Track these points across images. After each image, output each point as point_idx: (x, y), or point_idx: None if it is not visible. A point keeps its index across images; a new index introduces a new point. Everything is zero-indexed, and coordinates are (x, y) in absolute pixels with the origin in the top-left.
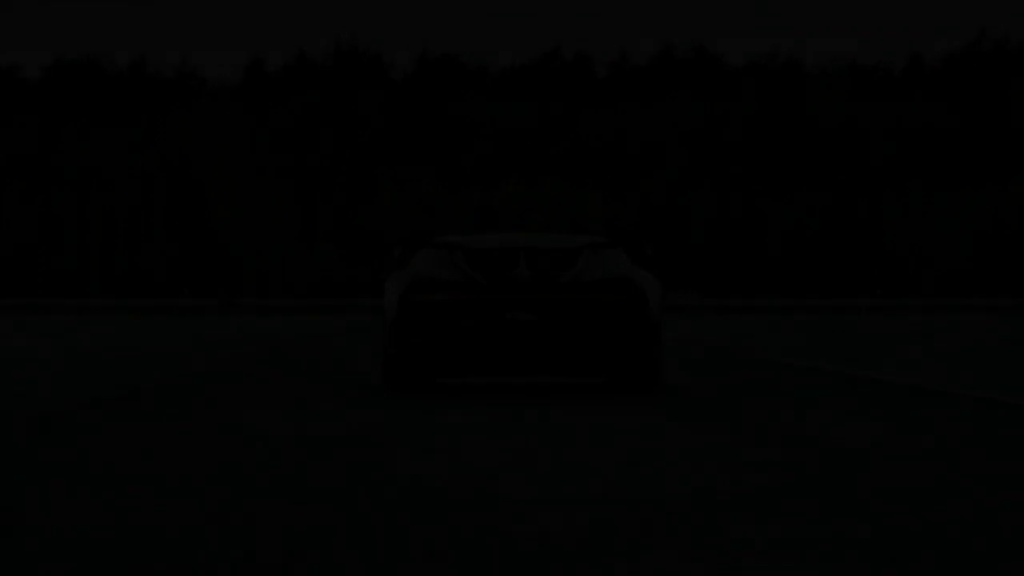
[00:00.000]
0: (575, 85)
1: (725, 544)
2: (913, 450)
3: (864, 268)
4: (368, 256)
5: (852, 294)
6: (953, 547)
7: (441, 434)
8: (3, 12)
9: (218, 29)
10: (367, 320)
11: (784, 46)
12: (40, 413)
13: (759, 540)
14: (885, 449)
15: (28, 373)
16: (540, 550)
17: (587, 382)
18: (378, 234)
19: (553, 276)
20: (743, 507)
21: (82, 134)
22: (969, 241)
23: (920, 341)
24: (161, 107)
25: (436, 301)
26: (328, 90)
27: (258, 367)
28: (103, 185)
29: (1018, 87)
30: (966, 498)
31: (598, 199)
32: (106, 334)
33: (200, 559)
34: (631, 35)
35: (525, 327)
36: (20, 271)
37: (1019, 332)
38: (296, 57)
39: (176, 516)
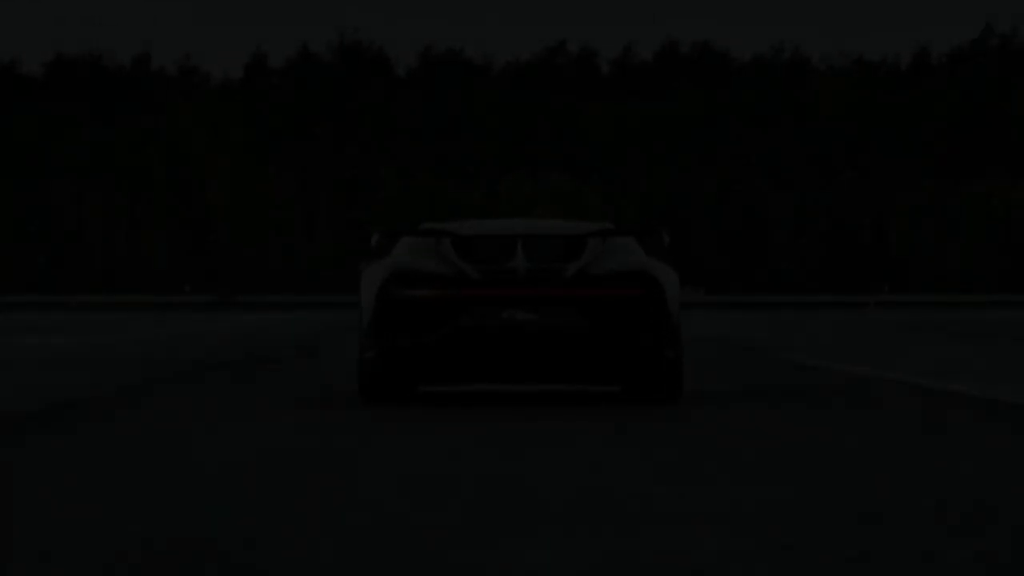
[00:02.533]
0: (579, 80)
1: None
2: None
3: (871, 264)
4: (369, 252)
5: (859, 290)
6: None
7: (412, 463)
8: (3, 7)
9: (220, 23)
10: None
11: (790, 41)
12: None
13: None
14: None
15: None
16: None
17: (596, 391)
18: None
19: (556, 268)
20: None
21: (82, 129)
22: (981, 236)
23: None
24: (162, 102)
25: (419, 297)
26: (331, 85)
27: (228, 370)
28: (102, 180)
29: None
30: None
31: (601, 194)
32: (90, 331)
33: None
34: (636, 30)
35: (524, 328)
36: (13, 266)
37: None
38: (299, 52)
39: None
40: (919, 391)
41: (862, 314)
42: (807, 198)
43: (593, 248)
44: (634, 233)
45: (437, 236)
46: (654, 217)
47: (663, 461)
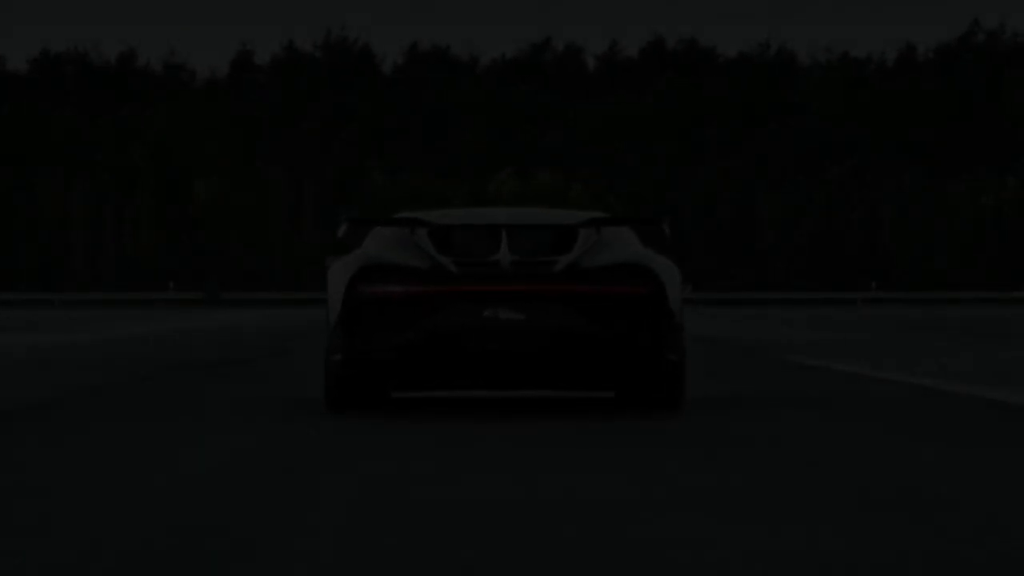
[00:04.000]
0: (566, 77)
1: None
2: None
3: (859, 261)
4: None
5: (847, 287)
6: None
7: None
8: None
9: (206, 20)
10: None
11: (776, 38)
12: None
13: None
14: None
15: None
16: None
17: (588, 396)
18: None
19: (544, 262)
20: None
21: (68, 126)
22: (968, 232)
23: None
24: (148, 100)
25: (392, 294)
26: (317, 82)
27: (188, 372)
28: (87, 176)
29: (1012, 77)
30: None
31: (588, 191)
32: (64, 330)
33: None
34: (621, 26)
35: (508, 328)
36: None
37: None
38: (285, 49)
39: None
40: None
41: (854, 310)
42: (794, 194)
43: (585, 239)
44: (631, 223)
45: (412, 226)
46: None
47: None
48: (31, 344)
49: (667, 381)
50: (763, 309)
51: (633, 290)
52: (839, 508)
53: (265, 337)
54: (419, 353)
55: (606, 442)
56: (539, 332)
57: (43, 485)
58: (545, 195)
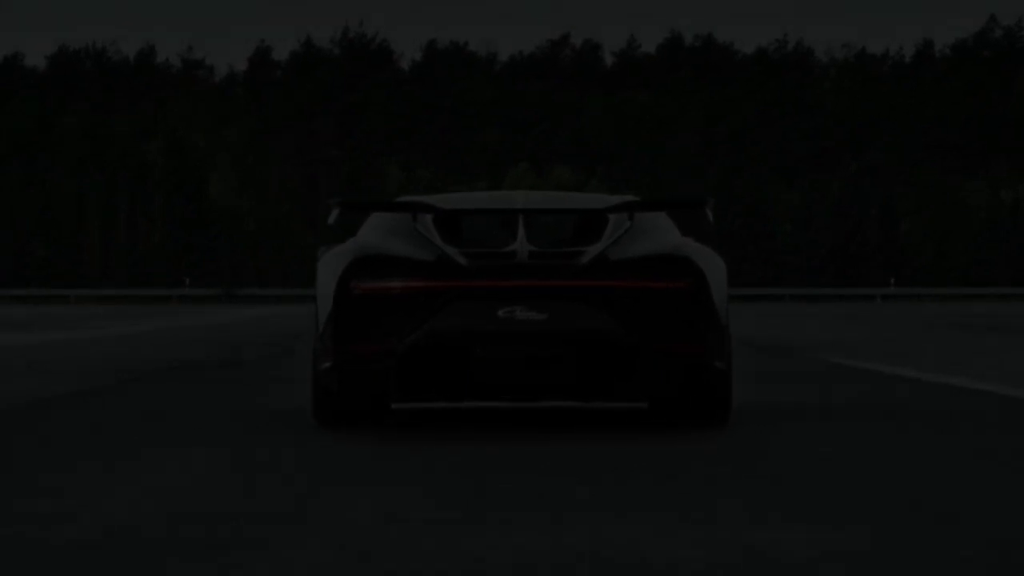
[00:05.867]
0: (583, 73)
1: None
2: None
3: (876, 256)
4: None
5: (863, 283)
6: None
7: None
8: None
9: (224, 16)
10: None
11: (793, 34)
12: None
13: None
14: None
15: None
16: None
17: (618, 408)
18: None
19: (569, 253)
20: None
21: (84, 122)
22: (986, 227)
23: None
24: (166, 95)
25: (391, 290)
26: (334, 78)
27: (166, 376)
28: (103, 173)
29: None
30: None
31: (605, 187)
32: (62, 328)
33: None
34: (639, 23)
35: (527, 330)
36: (15, 259)
37: None
38: (303, 45)
39: None
40: None
41: (874, 307)
42: (811, 191)
43: (616, 226)
44: (669, 207)
45: (414, 211)
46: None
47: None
48: (11, 345)
49: (712, 392)
50: (779, 305)
51: (672, 285)
52: None
53: (270, 335)
54: (422, 360)
55: (647, 469)
56: (562, 335)
57: None
58: (561, 190)
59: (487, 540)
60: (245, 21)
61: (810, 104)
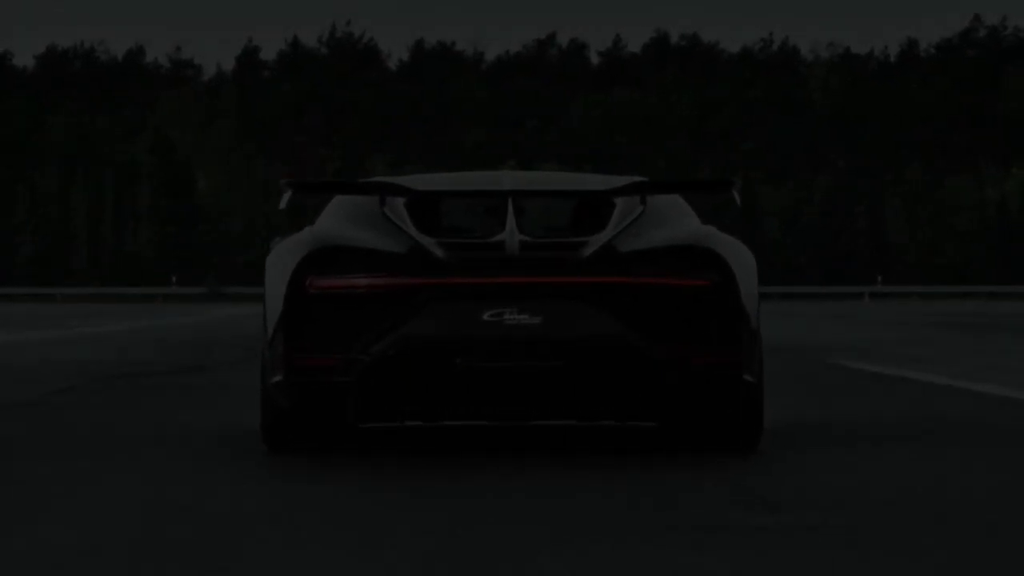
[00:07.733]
0: (569, 72)
1: None
2: None
3: (862, 255)
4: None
5: (850, 281)
6: None
7: None
8: None
9: (212, 16)
10: None
11: (778, 34)
12: None
13: None
14: None
15: None
16: None
17: (624, 426)
18: None
19: (568, 244)
20: None
21: (73, 121)
22: (972, 226)
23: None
24: (154, 94)
25: (354, 289)
26: (322, 78)
27: (118, 383)
28: (91, 172)
29: (1013, 73)
30: None
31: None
32: (43, 328)
33: None
34: (625, 22)
35: (518, 337)
36: (3, 257)
37: None
38: (291, 44)
39: None
40: None
41: (863, 305)
42: (798, 189)
43: (625, 212)
44: (687, 189)
45: (383, 194)
46: None
47: None
48: None
49: (740, 411)
50: (768, 304)
51: (693, 283)
52: None
53: (243, 338)
54: (391, 372)
55: (671, 525)
56: (560, 342)
57: None
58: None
59: None
60: (233, 21)
61: (796, 103)
